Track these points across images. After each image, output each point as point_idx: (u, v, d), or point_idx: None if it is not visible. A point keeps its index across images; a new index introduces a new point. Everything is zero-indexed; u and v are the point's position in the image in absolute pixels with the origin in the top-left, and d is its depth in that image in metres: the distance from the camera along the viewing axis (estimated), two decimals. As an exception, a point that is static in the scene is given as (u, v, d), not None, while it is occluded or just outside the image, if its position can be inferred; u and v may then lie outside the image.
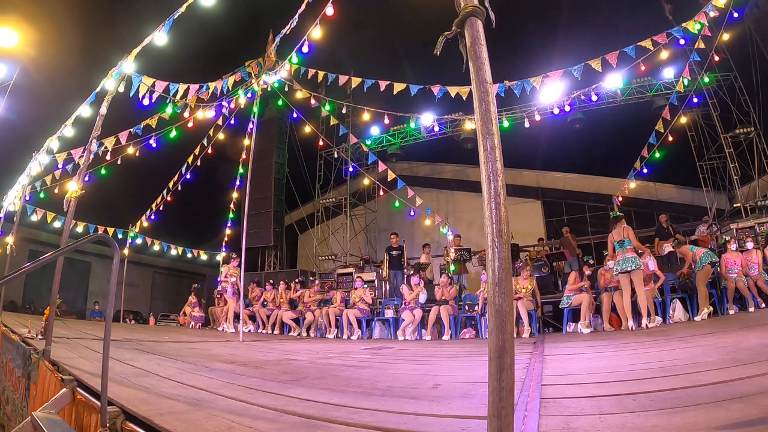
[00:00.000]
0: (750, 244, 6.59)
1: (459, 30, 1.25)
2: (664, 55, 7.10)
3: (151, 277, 17.67)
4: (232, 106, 9.21)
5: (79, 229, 9.84)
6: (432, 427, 1.54)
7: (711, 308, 5.99)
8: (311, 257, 14.20)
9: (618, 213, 6.44)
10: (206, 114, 8.55)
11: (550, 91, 6.99)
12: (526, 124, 8.99)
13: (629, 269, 5.72)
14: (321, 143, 11.69)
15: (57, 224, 9.15)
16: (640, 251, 5.98)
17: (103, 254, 14.25)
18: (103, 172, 8.86)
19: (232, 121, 9.82)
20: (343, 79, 7.78)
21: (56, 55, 9.08)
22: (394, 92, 7.12)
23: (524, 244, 11.41)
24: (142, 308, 15.83)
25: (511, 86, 6.76)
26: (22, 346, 3.67)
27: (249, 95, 8.88)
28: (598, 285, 6.87)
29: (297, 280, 9.60)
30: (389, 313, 8.05)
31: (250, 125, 9.00)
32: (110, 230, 10.51)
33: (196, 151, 9.92)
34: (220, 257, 12.10)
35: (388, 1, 11.31)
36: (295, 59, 7.24)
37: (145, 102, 5.93)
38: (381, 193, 10.37)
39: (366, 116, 8.75)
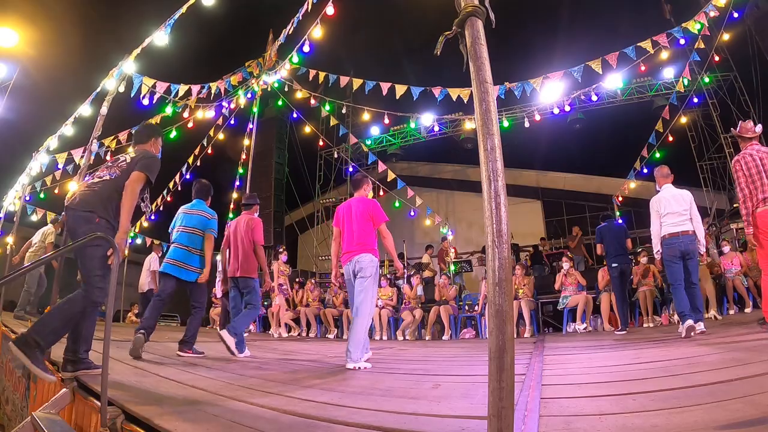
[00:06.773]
0: None
1: (459, 30, 1.25)
2: (664, 55, 7.10)
3: (151, 277, 17.64)
4: (232, 106, 9.22)
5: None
6: (432, 427, 1.53)
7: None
8: (311, 257, 14.19)
9: None
10: (206, 114, 8.55)
11: (550, 91, 7.00)
12: (526, 124, 9.00)
13: None
14: (321, 143, 11.70)
15: (56, 224, 9.12)
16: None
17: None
18: (103, 172, 8.86)
19: (232, 121, 9.82)
20: (344, 80, 7.78)
21: (56, 55, 9.07)
22: (397, 96, 7.11)
23: (524, 244, 11.40)
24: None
25: (511, 88, 6.77)
26: (23, 346, 3.65)
27: (249, 95, 8.88)
28: (597, 285, 6.87)
29: (297, 280, 9.59)
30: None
31: (250, 125, 9.01)
32: (110, 230, 10.49)
33: (196, 152, 9.91)
34: (219, 257, 12.07)
35: (388, 1, 11.31)
36: (295, 59, 7.25)
37: (145, 102, 5.94)
38: (381, 193, 10.36)
39: (366, 116, 8.76)
